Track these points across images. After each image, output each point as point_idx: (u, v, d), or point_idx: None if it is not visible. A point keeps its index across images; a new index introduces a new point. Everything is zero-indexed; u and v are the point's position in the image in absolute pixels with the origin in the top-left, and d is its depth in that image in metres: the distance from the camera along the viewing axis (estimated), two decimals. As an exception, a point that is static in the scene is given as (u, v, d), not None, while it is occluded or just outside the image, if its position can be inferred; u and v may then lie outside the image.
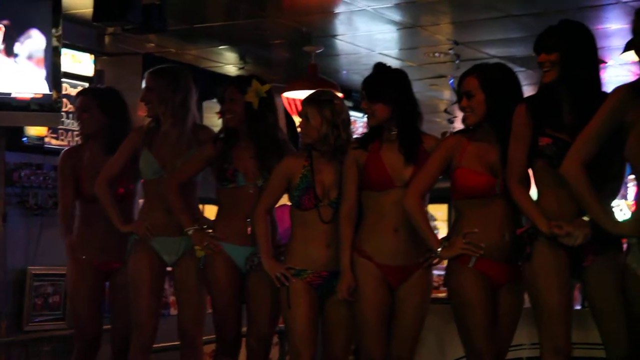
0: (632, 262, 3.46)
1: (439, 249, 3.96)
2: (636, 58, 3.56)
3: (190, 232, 4.53)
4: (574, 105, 3.71)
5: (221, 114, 4.61)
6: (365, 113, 4.27)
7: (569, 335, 3.72)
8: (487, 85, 3.92)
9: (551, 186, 3.72)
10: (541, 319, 3.75)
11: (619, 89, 3.56)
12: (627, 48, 3.52)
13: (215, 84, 4.80)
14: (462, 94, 3.97)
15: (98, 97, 5.12)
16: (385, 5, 6.86)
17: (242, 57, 8.61)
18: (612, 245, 3.68)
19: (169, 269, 4.84)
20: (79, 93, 5.49)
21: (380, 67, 4.29)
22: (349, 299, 4.12)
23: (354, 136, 4.40)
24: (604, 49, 7.51)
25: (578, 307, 4.20)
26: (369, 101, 4.18)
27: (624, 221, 3.60)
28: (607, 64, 7.77)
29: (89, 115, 4.99)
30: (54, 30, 6.01)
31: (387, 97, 4.15)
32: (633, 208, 3.60)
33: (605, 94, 3.67)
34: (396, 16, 7.19)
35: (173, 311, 5.11)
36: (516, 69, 4.06)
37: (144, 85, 4.84)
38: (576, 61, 3.72)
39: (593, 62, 3.81)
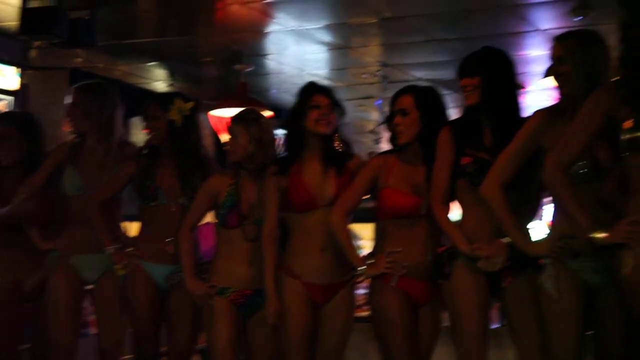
0: (546, 282, 3.53)
1: (364, 267, 3.96)
2: (555, 83, 3.65)
3: (110, 251, 4.47)
4: (494, 127, 3.78)
5: (146, 131, 4.57)
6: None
7: (485, 354, 3.77)
8: (422, 104, 3.95)
9: (472, 205, 3.77)
10: (458, 337, 3.79)
11: (538, 113, 3.64)
12: (546, 74, 3.61)
13: (142, 101, 4.75)
14: (396, 112, 3.96)
15: (17, 124, 4.91)
16: (315, 26, 6.92)
17: (172, 74, 8.60)
18: (529, 266, 3.71)
19: (89, 287, 4.74)
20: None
21: (312, 84, 4.28)
22: (277, 323, 4.09)
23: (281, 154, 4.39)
24: (525, 74, 7.72)
25: (497, 326, 4.24)
26: None
27: (539, 242, 3.65)
28: (528, 90, 7.95)
29: (9, 143, 4.78)
30: None
31: None
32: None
33: (524, 117, 3.75)
34: (326, 37, 7.25)
35: (93, 330, 4.99)
36: (442, 91, 4.11)
37: (69, 100, 4.73)
38: (497, 85, 3.80)
39: (512, 86, 3.89)
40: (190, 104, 4.50)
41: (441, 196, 3.77)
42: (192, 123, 4.51)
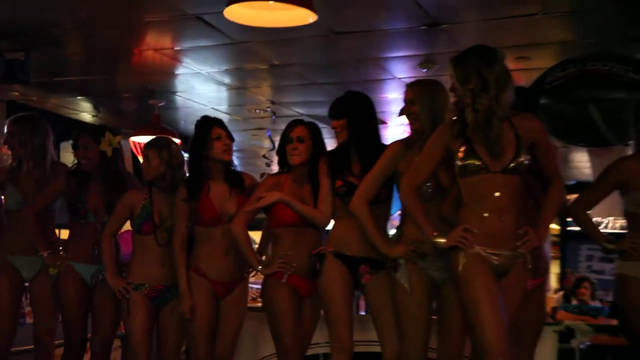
0: (401, 278, 3.61)
1: (260, 267, 3.97)
2: (407, 121, 3.75)
3: (44, 255, 4.38)
4: (361, 157, 3.83)
5: (77, 159, 4.47)
6: None
7: (351, 335, 3.80)
8: (313, 134, 3.98)
9: (343, 217, 3.82)
10: (330, 322, 3.83)
11: (394, 144, 3.74)
12: (400, 113, 3.71)
13: (71, 129, 4.66)
14: (293, 139, 3.93)
15: None
16: (216, 70, 6.90)
17: (96, 107, 8.43)
18: (386, 265, 3.78)
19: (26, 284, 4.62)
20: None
21: (207, 118, 4.23)
22: (191, 317, 4.05)
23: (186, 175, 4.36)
24: (384, 113, 7.85)
25: (363, 313, 4.31)
26: None
27: (395, 246, 3.70)
28: (387, 125, 8.10)
29: None
30: None
31: None
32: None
33: (384, 146, 3.82)
34: (226, 79, 7.23)
35: (29, 320, 4.87)
36: (320, 125, 4.15)
37: (6, 131, 4.63)
38: (361, 124, 3.87)
39: (374, 123, 3.96)
40: (118, 137, 4.46)
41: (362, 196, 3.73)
42: (118, 152, 4.46)
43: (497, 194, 3.21)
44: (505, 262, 3.24)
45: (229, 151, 4.10)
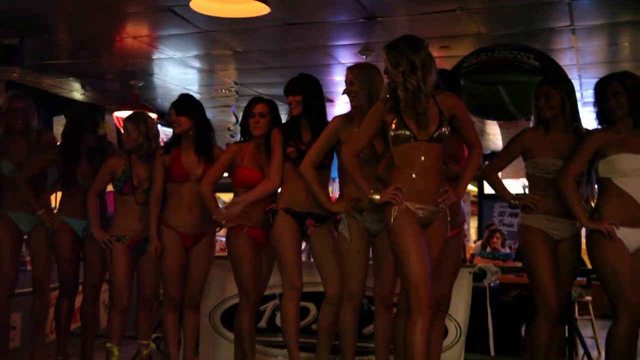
0: (342, 229, 3.65)
1: (223, 221, 3.95)
2: (348, 99, 3.75)
3: (40, 213, 4.33)
4: (311, 128, 3.83)
5: (87, 141, 4.41)
6: (173, 124, 4.12)
7: (300, 277, 3.85)
8: (272, 110, 3.98)
9: (292, 179, 3.81)
10: (282, 266, 3.86)
11: (336, 118, 3.74)
12: (344, 92, 3.71)
13: (63, 106, 4.57)
14: (255, 114, 3.93)
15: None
16: (187, 55, 6.84)
17: (84, 87, 8.25)
18: (329, 218, 3.82)
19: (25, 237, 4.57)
20: None
21: (186, 94, 4.26)
22: (156, 256, 4.05)
23: (161, 144, 4.32)
24: (332, 93, 7.86)
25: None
26: (177, 114, 4.08)
27: (337, 202, 3.73)
28: (335, 102, 8.11)
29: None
30: None
31: (190, 112, 4.08)
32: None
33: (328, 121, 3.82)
34: (196, 63, 7.17)
35: (29, 267, 4.82)
36: (278, 102, 4.14)
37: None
38: (313, 100, 3.86)
39: (322, 101, 3.95)
40: (110, 126, 4.48)
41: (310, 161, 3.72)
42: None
43: (423, 158, 3.23)
44: (429, 215, 3.28)
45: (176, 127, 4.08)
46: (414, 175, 3.24)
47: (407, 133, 3.23)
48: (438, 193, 3.27)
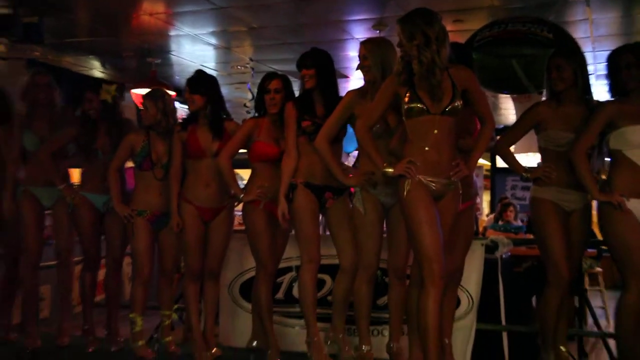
0: (357, 203, 3.66)
1: (241, 195, 3.96)
2: (362, 73, 3.73)
3: (61, 188, 4.35)
4: (325, 102, 3.81)
5: (83, 110, 4.41)
6: (187, 102, 4.14)
7: (319, 249, 3.83)
8: (287, 86, 3.96)
9: (309, 153, 3.78)
10: (300, 239, 3.84)
11: (350, 93, 3.73)
12: (357, 67, 3.69)
13: (83, 84, 4.57)
14: (271, 90, 3.92)
15: None
16: (204, 32, 6.81)
17: (103, 65, 8.28)
18: (345, 191, 3.82)
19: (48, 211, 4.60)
20: None
21: (199, 71, 4.23)
22: (178, 230, 4.08)
23: (179, 121, 4.33)
24: (346, 68, 7.84)
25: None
26: (190, 92, 4.08)
27: (352, 176, 3.73)
28: (349, 78, 8.07)
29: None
30: None
31: (203, 90, 4.08)
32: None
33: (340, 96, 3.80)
34: (212, 40, 7.14)
35: (53, 240, 4.86)
36: (291, 78, 4.12)
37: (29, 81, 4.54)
38: (326, 75, 3.83)
39: (335, 75, 3.91)
40: (113, 87, 4.40)
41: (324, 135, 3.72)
42: (117, 100, 4.40)
43: (435, 131, 3.23)
44: (441, 188, 3.28)
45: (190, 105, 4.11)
46: (427, 148, 3.23)
47: (421, 106, 3.22)
48: (450, 166, 3.27)
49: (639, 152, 3.49)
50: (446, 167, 3.26)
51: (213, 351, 4.14)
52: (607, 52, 3.75)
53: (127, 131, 4.35)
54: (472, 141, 3.54)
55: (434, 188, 3.26)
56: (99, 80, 4.81)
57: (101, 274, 4.62)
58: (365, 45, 3.70)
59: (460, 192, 3.40)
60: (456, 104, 3.24)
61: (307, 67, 3.82)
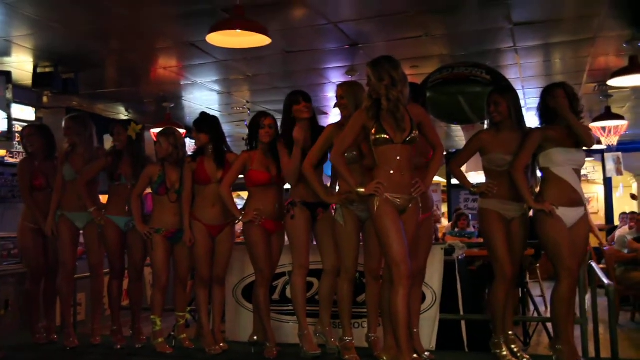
0: (338, 217, 3.63)
1: (240, 216, 3.90)
2: (339, 110, 3.71)
3: (91, 211, 4.29)
4: (312, 135, 3.77)
5: (113, 142, 4.37)
6: (194, 139, 4.14)
7: (308, 258, 3.81)
8: (276, 123, 3.93)
9: (302, 178, 3.70)
10: (293, 248, 3.81)
11: (330, 126, 3.70)
12: (335, 105, 3.69)
13: (111, 125, 4.53)
14: (265, 126, 3.87)
15: (39, 129, 4.71)
16: (208, 81, 6.83)
17: (127, 110, 8.27)
18: (329, 207, 3.78)
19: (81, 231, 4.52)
20: (25, 127, 4.89)
21: (204, 114, 4.19)
22: (190, 245, 4.03)
23: (189, 153, 4.28)
24: (325, 107, 7.84)
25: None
26: (197, 132, 4.07)
27: (333, 195, 3.70)
28: (329, 114, 8.07)
29: (34, 139, 4.54)
30: (7, 93, 5.75)
31: (207, 129, 4.06)
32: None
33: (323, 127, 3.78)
34: (215, 87, 7.16)
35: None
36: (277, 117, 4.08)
37: (65, 126, 4.47)
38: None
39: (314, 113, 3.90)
40: (139, 126, 4.36)
41: (309, 162, 3.64)
42: (141, 137, 4.37)
43: (398, 157, 3.23)
44: (404, 203, 3.26)
45: (197, 142, 4.09)
46: (391, 172, 3.23)
47: (386, 137, 3.21)
48: (411, 184, 3.25)
49: (563, 169, 3.49)
50: (408, 186, 3.25)
51: (221, 345, 4.07)
52: (534, 90, 3.78)
53: (145, 161, 4.31)
54: (425, 162, 3.51)
55: (398, 203, 3.24)
56: (128, 120, 4.75)
57: (125, 282, 4.53)
58: (342, 87, 3.69)
59: (420, 205, 3.38)
60: (413, 135, 3.24)
61: (307, 101, 3.82)
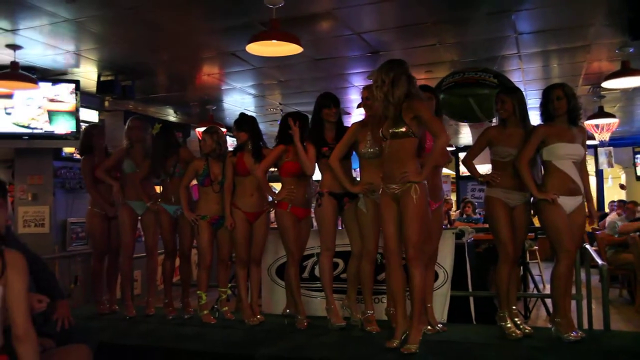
0: (361, 205, 3.59)
1: (275, 201, 3.89)
2: (363, 110, 3.68)
3: (149, 205, 4.34)
4: (336, 133, 3.76)
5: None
6: (235, 136, 4.14)
7: (334, 241, 3.77)
8: (306, 122, 3.85)
9: (328, 170, 3.72)
10: (321, 233, 3.77)
11: (354, 124, 3.65)
12: (359, 106, 3.66)
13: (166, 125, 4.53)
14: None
15: (97, 129, 4.78)
16: (246, 85, 6.80)
17: (175, 112, 8.31)
18: (357, 197, 3.69)
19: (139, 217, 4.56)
20: (87, 128, 4.99)
21: (243, 114, 4.17)
22: (231, 229, 4.02)
23: (230, 149, 4.27)
24: (348, 107, 7.76)
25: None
26: (237, 130, 4.06)
27: (357, 185, 3.62)
28: (351, 114, 8.00)
29: (97, 138, 4.62)
30: (76, 99, 5.88)
31: (246, 128, 4.05)
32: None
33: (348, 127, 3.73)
34: (252, 91, 7.13)
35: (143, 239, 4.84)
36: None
37: (128, 126, 4.50)
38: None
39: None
40: (159, 126, 4.37)
41: (336, 156, 3.63)
42: (162, 134, 4.36)
43: (387, 151, 3.19)
44: (399, 192, 3.13)
45: (237, 139, 4.08)
46: (385, 164, 3.20)
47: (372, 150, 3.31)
48: (402, 174, 3.10)
49: (563, 162, 3.39)
50: (398, 175, 3.11)
51: (258, 317, 4.08)
52: (535, 91, 3.67)
53: (188, 159, 4.31)
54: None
55: (396, 192, 3.13)
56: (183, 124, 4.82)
57: (176, 262, 4.57)
58: (368, 89, 3.62)
59: (413, 193, 3.10)
60: (398, 130, 3.10)
61: (337, 106, 3.79)
